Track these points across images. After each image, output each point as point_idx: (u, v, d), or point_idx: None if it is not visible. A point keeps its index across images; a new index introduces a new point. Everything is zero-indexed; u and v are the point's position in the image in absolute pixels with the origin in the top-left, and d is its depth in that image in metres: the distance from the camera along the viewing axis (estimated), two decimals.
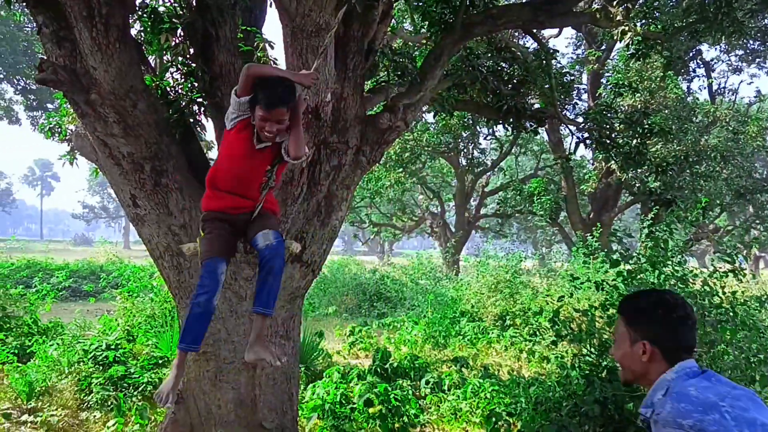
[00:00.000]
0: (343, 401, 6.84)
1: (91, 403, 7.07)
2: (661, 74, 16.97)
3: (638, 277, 5.78)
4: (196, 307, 3.29)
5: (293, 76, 3.48)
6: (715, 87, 26.27)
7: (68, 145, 7.00)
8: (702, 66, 25.72)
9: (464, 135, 23.10)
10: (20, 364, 7.91)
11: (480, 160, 26.22)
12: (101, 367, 7.80)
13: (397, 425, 6.53)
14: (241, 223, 3.53)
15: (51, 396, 7.25)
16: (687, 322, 2.19)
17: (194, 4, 5.32)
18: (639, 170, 14.09)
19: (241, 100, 3.39)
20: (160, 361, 8.22)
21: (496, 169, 30.52)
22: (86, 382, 7.36)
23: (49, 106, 29.26)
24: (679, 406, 1.99)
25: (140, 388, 7.29)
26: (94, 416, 6.84)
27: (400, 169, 22.96)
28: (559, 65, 9.65)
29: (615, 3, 6.60)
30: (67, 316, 12.03)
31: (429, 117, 21.84)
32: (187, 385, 5.48)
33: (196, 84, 5.69)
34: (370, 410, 6.62)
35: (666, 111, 17.34)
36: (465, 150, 25.21)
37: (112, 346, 8.32)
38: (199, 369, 5.36)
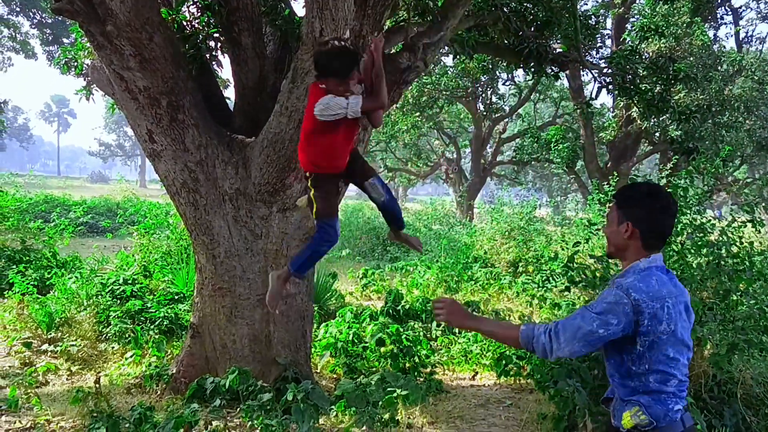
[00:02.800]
0: (356, 340, 6.94)
1: (109, 335, 7.23)
2: (688, 20, 16.46)
3: None
4: (318, 254, 3.92)
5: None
6: (742, 35, 25.53)
7: (84, 79, 6.95)
8: (730, 13, 24.94)
9: (483, 80, 22.70)
10: (40, 296, 8.08)
11: (498, 105, 25.82)
12: (119, 301, 7.94)
13: (408, 365, 6.63)
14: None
15: (70, 327, 7.42)
16: (667, 211, 2.56)
17: None
18: (661, 118, 13.84)
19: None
20: (176, 297, 8.35)
21: (513, 116, 30.10)
22: (104, 315, 7.51)
23: (65, 40, 29.01)
24: (637, 283, 2.44)
25: (157, 322, 7.43)
26: (112, 347, 7.00)
27: (417, 114, 22.71)
28: (584, 5, 9.37)
29: None
30: (85, 251, 12.22)
31: (448, 60, 21.47)
32: (202, 320, 5.58)
33: (212, 18, 5.59)
34: (382, 350, 6.72)
35: (691, 58, 16.87)
36: (483, 95, 24.80)
37: (129, 281, 8.46)
38: (215, 304, 5.44)
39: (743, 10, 26.04)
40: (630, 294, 2.40)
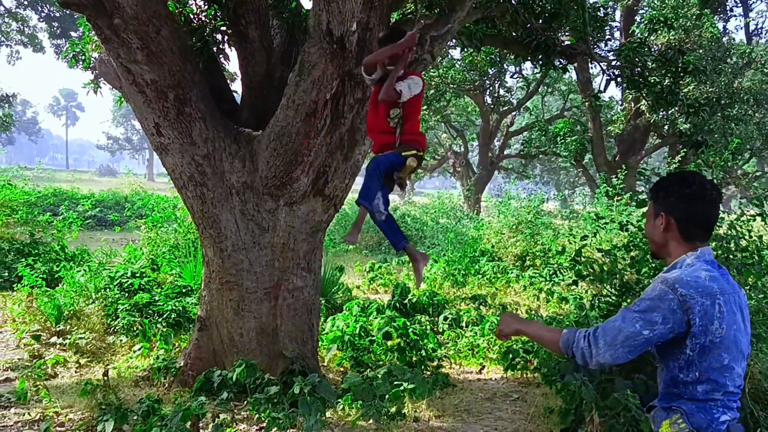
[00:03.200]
0: (362, 334, 6.94)
1: (117, 327, 7.26)
2: (698, 12, 16.35)
3: None
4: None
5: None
6: (752, 27, 25.34)
7: (92, 73, 6.97)
8: (740, 4, 24.76)
9: (490, 72, 22.62)
10: (49, 289, 8.12)
11: (505, 99, 25.73)
12: (127, 294, 7.97)
13: (415, 358, 6.63)
14: None
15: (79, 320, 7.45)
16: (703, 197, 2.31)
17: None
18: (669, 111, 13.76)
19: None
20: (184, 290, 8.37)
21: (521, 109, 30.00)
22: (112, 308, 7.54)
23: (73, 34, 29.07)
24: (684, 276, 2.21)
25: (164, 315, 7.45)
26: (121, 340, 7.04)
27: (424, 107, 22.66)
28: None
29: None
30: (93, 245, 12.27)
31: (455, 53, 21.40)
32: (210, 313, 5.59)
33: (219, 11, 5.59)
34: (389, 343, 6.72)
35: (700, 51, 16.77)
36: (491, 88, 24.73)
37: (137, 274, 8.48)
38: (222, 298, 5.45)
39: (753, 2, 25.83)
40: (676, 289, 2.18)
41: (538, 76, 23.83)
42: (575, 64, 16.60)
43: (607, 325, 2.28)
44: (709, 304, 2.17)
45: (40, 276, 8.78)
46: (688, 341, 2.21)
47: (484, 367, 6.99)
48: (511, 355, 6.47)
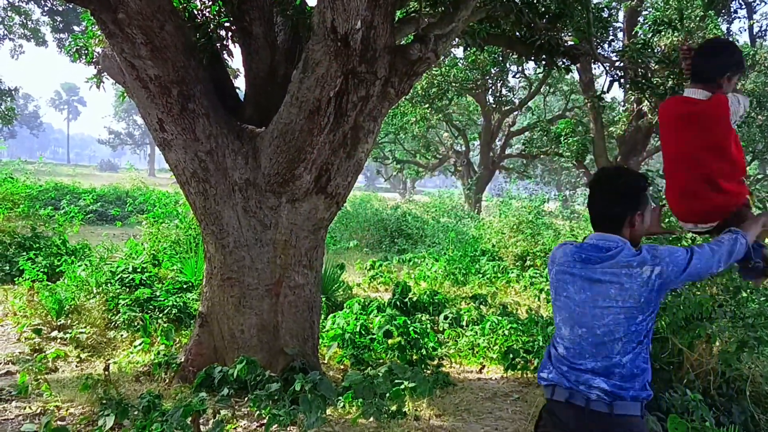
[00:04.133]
0: (363, 332, 6.95)
1: (118, 322, 7.26)
2: (702, 13, 16.31)
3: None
4: None
5: None
6: (756, 29, 25.28)
7: (95, 67, 6.96)
8: (744, 6, 24.70)
9: (493, 72, 22.58)
10: (50, 283, 8.12)
11: (508, 98, 25.69)
12: (128, 289, 7.98)
13: (415, 357, 6.63)
14: None
15: (80, 314, 7.45)
16: (593, 189, 2.61)
17: None
18: None
19: None
20: (185, 286, 8.38)
21: (523, 109, 29.97)
22: (113, 303, 7.55)
23: (76, 28, 29.05)
24: (556, 247, 2.69)
25: (165, 311, 7.46)
26: (121, 335, 7.04)
27: (426, 105, 22.64)
28: None
29: None
30: (95, 239, 12.28)
31: (458, 52, 21.37)
32: (211, 309, 5.60)
33: (223, 7, 5.59)
34: (390, 341, 6.73)
35: None
36: (493, 87, 24.68)
37: (138, 270, 8.49)
38: (224, 294, 5.46)
39: (757, 4, 25.77)
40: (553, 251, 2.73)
41: (540, 75, 23.81)
42: (578, 65, 16.59)
43: None
44: (550, 269, 2.65)
45: (41, 270, 8.78)
46: None
47: (484, 366, 7.00)
48: (511, 355, 6.47)
